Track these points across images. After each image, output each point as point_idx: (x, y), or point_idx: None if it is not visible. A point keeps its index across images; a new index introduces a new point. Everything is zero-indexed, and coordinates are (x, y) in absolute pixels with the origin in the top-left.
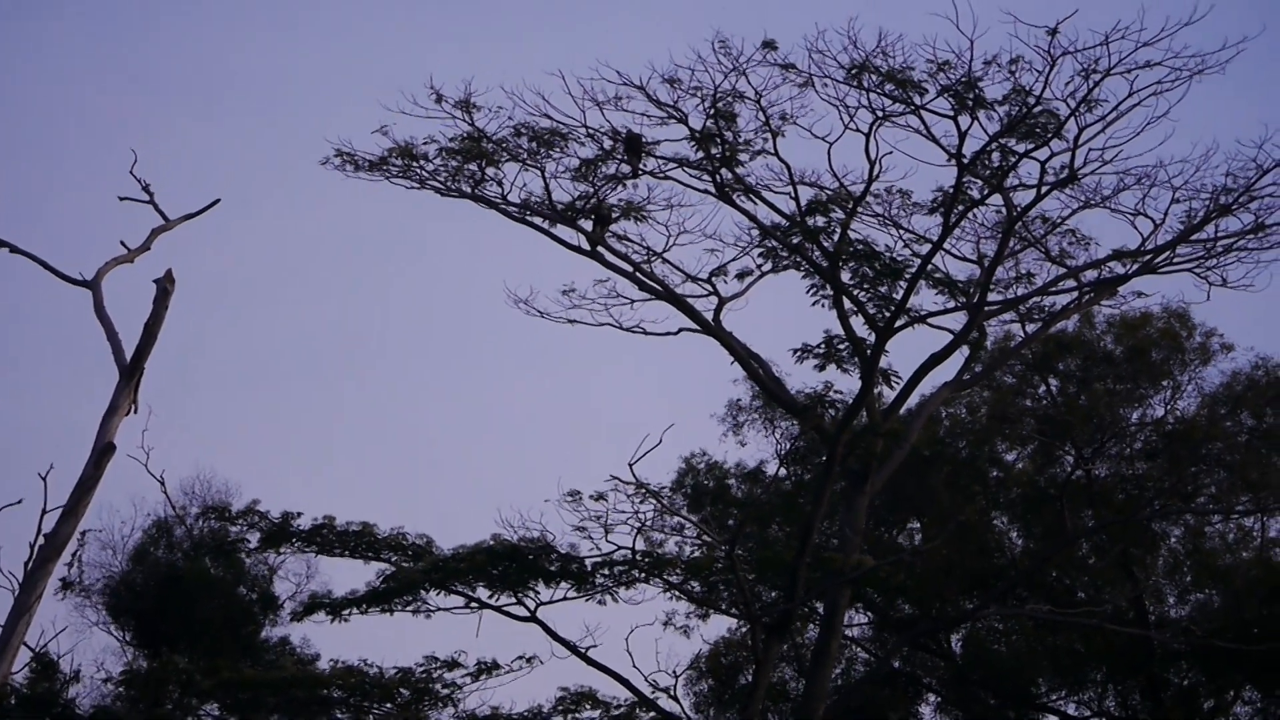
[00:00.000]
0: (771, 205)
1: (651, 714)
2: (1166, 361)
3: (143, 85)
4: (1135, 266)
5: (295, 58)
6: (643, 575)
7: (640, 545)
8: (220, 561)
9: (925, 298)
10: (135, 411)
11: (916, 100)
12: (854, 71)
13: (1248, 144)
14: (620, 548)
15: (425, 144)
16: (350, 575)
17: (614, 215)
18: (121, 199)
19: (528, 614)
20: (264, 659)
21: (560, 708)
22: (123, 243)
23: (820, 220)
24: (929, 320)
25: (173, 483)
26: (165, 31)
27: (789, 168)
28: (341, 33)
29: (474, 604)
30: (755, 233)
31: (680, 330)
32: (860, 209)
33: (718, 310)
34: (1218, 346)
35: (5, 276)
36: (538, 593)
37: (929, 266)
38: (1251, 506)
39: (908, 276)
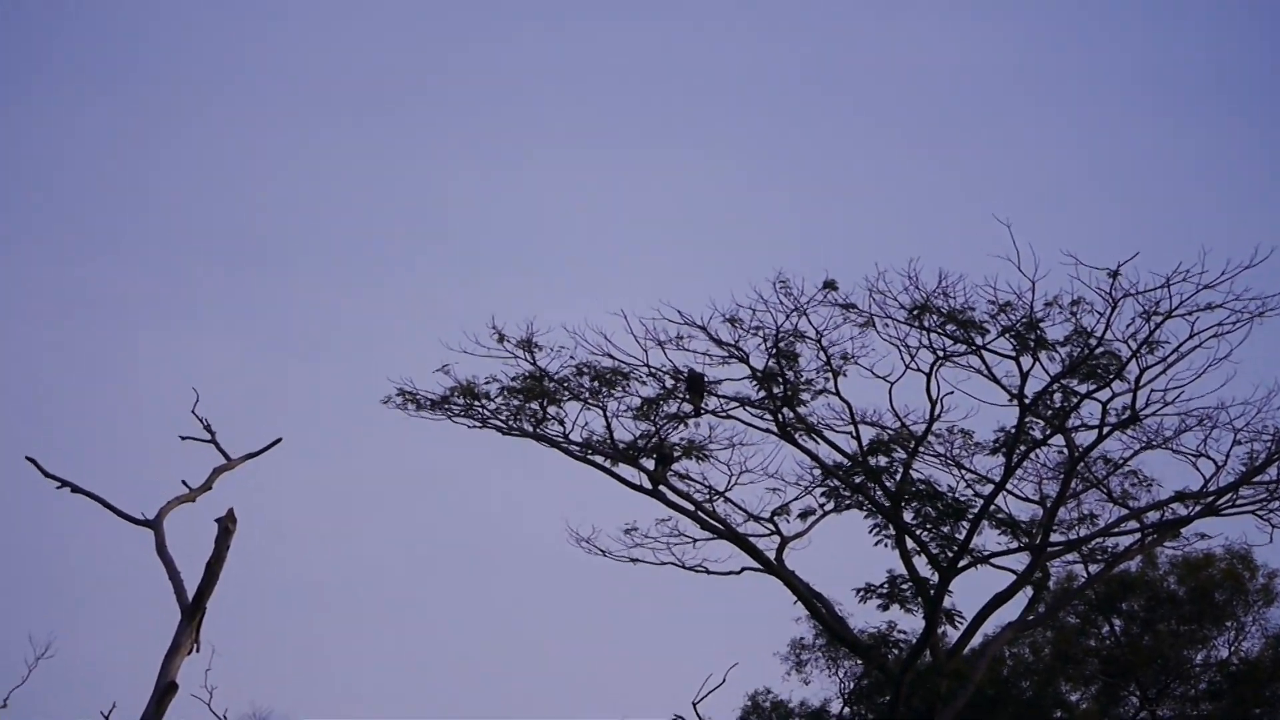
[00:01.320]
0: (833, 444)
1: None
2: (1230, 603)
3: (204, 325)
4: (1198, 508)
5: (358, 297)
6: None
7: None
8: None
9: (988, 538)
10: (197, 650)
11: (978, 340)
12: (915, 312)
13: None
14: None
15: (487, 383)
16: None
17: (676, 454)
18: (183, 438)
19: None
20: None
21: None
22: (184, 482)
23: (882, 460)
24: (992, 560)
25: None
26: (225, 274)
27: (850, 407)
28: (404, 273)
29: None
30: (817, 472)
31: (743, 569)
32: (922, 449)
33: (780, 549)
34: None
35: (68, 516)
36: None
37: (991, 507)
38: None
39: (970, 517)
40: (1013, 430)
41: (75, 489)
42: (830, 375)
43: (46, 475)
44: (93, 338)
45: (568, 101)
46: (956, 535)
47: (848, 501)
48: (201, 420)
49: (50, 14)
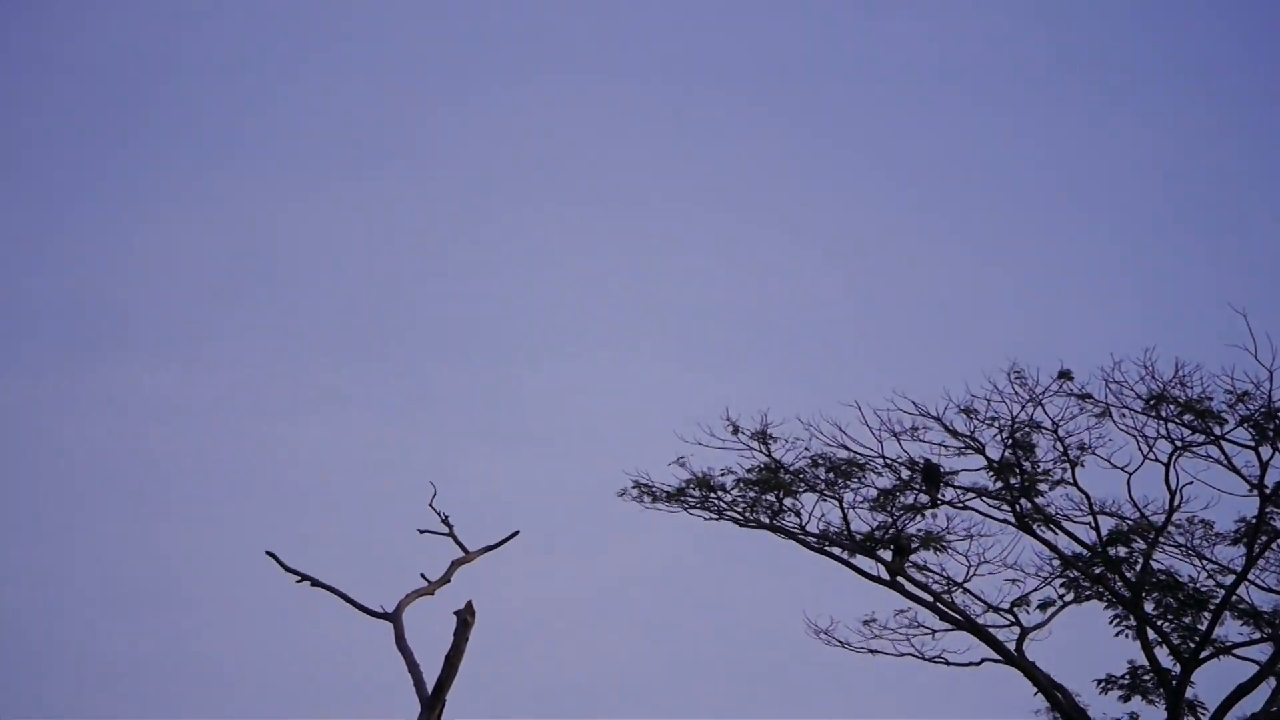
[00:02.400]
0: (1071, 535)
1: None
2: None
3: (441, 419)
4: None
5: (593, 390)
6: None
7: None
8: None
9: (1230, 628)
10: None
11: (1216, 430)
12: (1152, 401)
13: None
14: None
15: (723, 475)
16: None
17: (913, 545)
18: (421, 531)
19: None
20: None
21: None
22: (423, 575)
23: (1122, 550)
24: (1234, 651)
25: None
26: (460, 368)
27: (1088, 497)
28: (638, 365)
29: None
30: (1056, 562)
31: (983, 660)
32: (1162, 539)
33: (1020, 640)
34: None
35: (309, 610)
36: None
37: (1233, 597)
38: None
39: (1212, 607)
40: (1253, 520)
41: (315, 583)
42: (1067, 465)
43: (286, 569)
44: (331, 432)
45: (798, 192)
46: (1198, 626)
47: (1088, 592)
48: (439, 513)
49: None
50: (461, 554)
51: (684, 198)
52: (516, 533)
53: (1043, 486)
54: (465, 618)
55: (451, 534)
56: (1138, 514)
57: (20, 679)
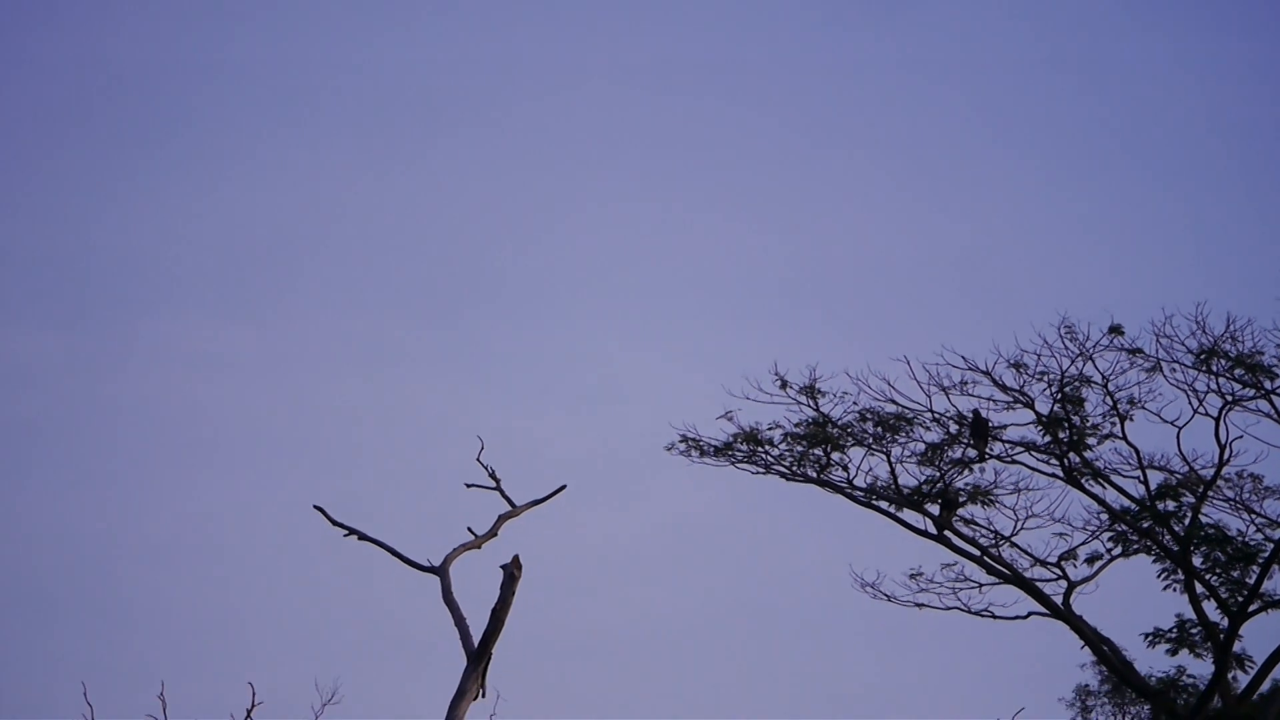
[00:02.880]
0: (1120, 489)
1: None
2: None
3: (489, 374)
4: None
5: (640, 345)
6: None
7: None
8: None
9: (1278, 582)
10: (483, 696)
11: (1267, 385)
12: (1203, 356)
13: None
14: None
15: (770, 429)
16: None
17: (961, 499)
18: (469, 486)
19: None
20: None
21: None
22: (470, 529)
23: (1171, 504)
24: None
25: None
26: (510, 323)
27: (1138, 452)
28: (686, 320)
29: None
30: (1104, 517)
31: (1030, 614)
32: (1211, 493)
33: (1067, 594)
34: None
35: (355, 564)
36: None
37: None
38: None
39: (1261, 561)
40: None
41: (362, 537)
42: (1117, 420)
43: (334, 524)
44: (377, 387)
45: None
46: (1247, 580)
47: (1136, 546)
48: (487, 468)
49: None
50: (509, 508)
51: (731, 160)
52: (564, 487)
53: (1091, 441)
54: (512, 572)
55: (499, 488)
56: (1187, 468)
57: (75, 627)
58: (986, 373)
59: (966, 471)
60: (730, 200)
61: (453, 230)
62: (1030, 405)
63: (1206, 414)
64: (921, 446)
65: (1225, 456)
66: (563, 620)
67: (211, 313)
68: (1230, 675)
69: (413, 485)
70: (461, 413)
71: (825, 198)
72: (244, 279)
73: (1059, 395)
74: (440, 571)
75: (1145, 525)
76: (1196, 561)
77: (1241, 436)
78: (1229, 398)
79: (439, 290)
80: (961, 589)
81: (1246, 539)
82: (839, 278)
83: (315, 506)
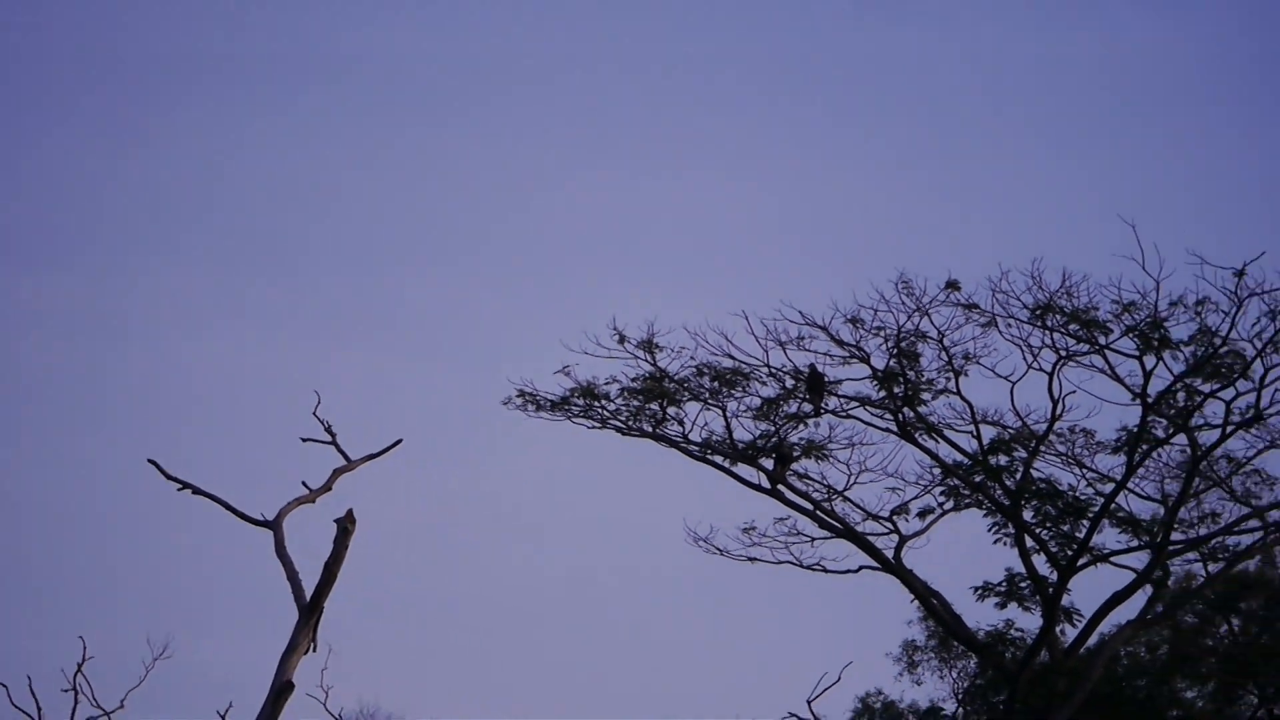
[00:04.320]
0: (954, 444)
1: None
2: None
3: (324, 328)
4: None
5: (479, 299)
6: None
7: None
8: None
9: (1108, 536)
10: (314, 650)
11: (1101, 340)
12: (1038, 312)
13: None
14: None
15: (607, 384)
16: None
17: (795, 454)
18: (304, 440)
19: None
20: None
21: None
22: (304, 483)
23: (1003, 459)
24: (1112, 559)
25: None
26: (346, 277)
27: (971, 406)
28: (524, 275)
29: None
30: (937, 471)
31: (861, 568)
32: (1043, 448)
33: (899, 548)
34: None
35: (189, 518)
36: None
37: (1112, 505)
38: None
39: (1090, 515)
40: (1135, 429)
41: (196, 491)
42: (952, 375)
43: (168, 477)
44: (212, 341)
45: (684, 101)
46: (1076, 534)
47: (967, 500)
48: (322, 422)
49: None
50: (344, 463)
51: (570, 111)
52: (399, 441)
53: (926, 395)
54: (345, 526)
55: (334, 442)
56: (1020, 423)
57: None
58: (823, 328)
59: (801, 426)
60: (566, 154)
61: (288, 181)
62: (866, 360)
63: (1040, 369)
64: (757, 401)
65: (1058, 411)
66: (396, 575)
67: (39, 265)
68: (1058, 629)
69: (248, 440)
70: (297, 367)
71: (665, 154)
72: (75, 232)
73: (895, 350)
74: (273, 525)
75: (977, 480)
76: (1027, 516)
77: (1075, 392)
78: (1063, 353)
79: (277, 243)
80: (794, 543)
81: (1077, 493)
82: (677, 234)
83: (149, 460)
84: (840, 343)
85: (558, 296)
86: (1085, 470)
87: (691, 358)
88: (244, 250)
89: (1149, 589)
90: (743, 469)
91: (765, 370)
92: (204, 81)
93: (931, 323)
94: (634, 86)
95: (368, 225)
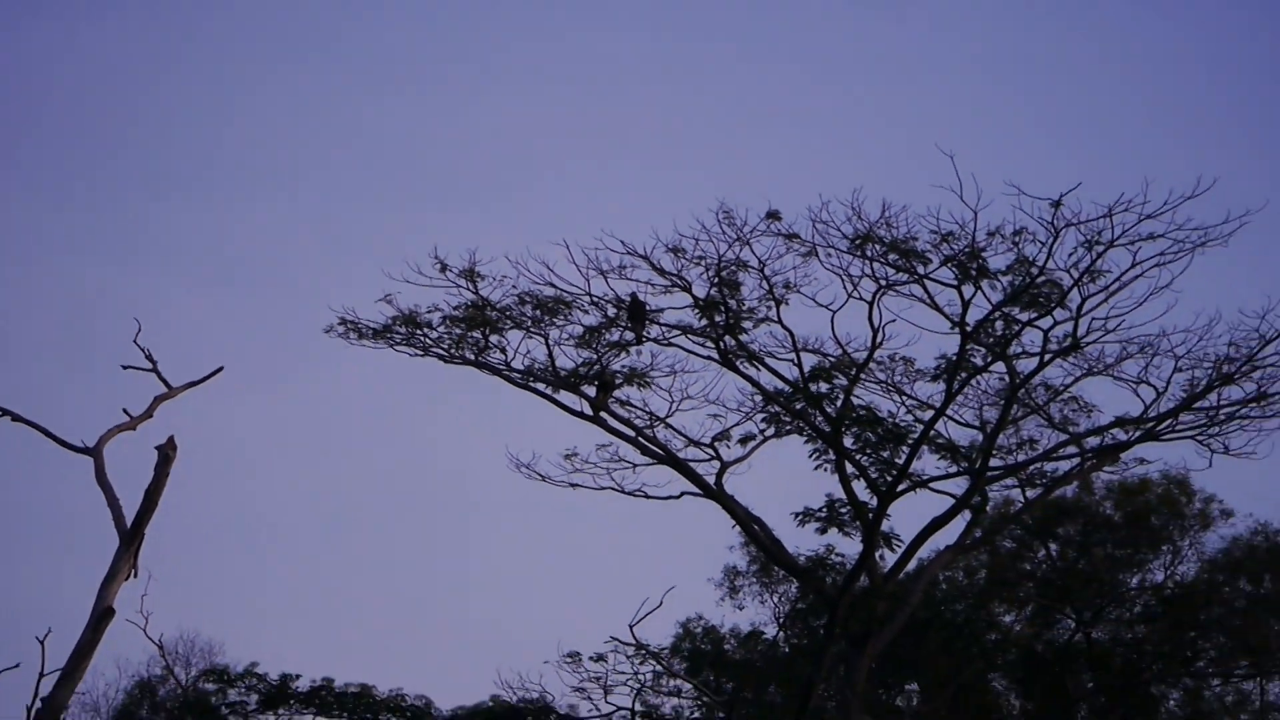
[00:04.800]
0: (775, 372)
1: None
2: (1166, 527)
3: (148, 257)
4: (1137, 434)
5: (302, 229)
6: None
7: (639, 707)
8: None
9: (927, 463)
10: (135, 576)
11: (920, 270)
12: (858, 241)
13: (1250, 314)
14: (619, 708)
15: (429, 312)
16: None
17: (617, 381)
18: (124, 367)
19: None
20: None
21: None
22: (125, 410)
23: (823, 386)
24: (931, 485)
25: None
26: (166, 205)
27: (792, 335)
28: (348, 205)
29: None
30: (758, 398)
31: (682, 494)
32: (863, 376)
33: (720, 474)
34: (1217, 513)
35: (7, 445)
36: None
37: (931, 432)
38: (1250, 670)
39: (910, 442)
40: (954, 357)
41: (15, 418)
42: (773, 304)
43: None
44: (32, 268)
45: (507, 31)
46: (896, 460)
47: (788, 427)
48: (143, 350)
49: None
50: (165, 390)
51: (386, 38)
52: (221, 369)
53: (747, 324)
54: (166, 453)
55: (155, 370)
56: (840, 351)
57: None
58: (645, 257)
59: (623, 354)
60: (383, 82)
61: (112, 111)
62: (688, 289)
63: (860, 298)
64: (579, 329)
65: (878, 340)
66: (217, 502)
67: None
68: (878, 554)
69: (68, 367)
70: (120, 296)
71: (480, 71)
72: None
73: (716, 279)
74: (94, 452)
75: (798, 407)
76: (847, 442)
77: (894, 320)
78: (882, 282)
79: (105, 170)
80: (616, 469)
81: (896, 420)
82: (498, 159)
83: None
84: (662, 272)
85: (379, 226)
86: (905, 397)
87: (513, 286)
88: (67, 177)
89: (968, 514)
90: (565, 396)
91: (587, 299)
92: None
93: (752, 252)
94: (449, 9)
95: (190, 156)
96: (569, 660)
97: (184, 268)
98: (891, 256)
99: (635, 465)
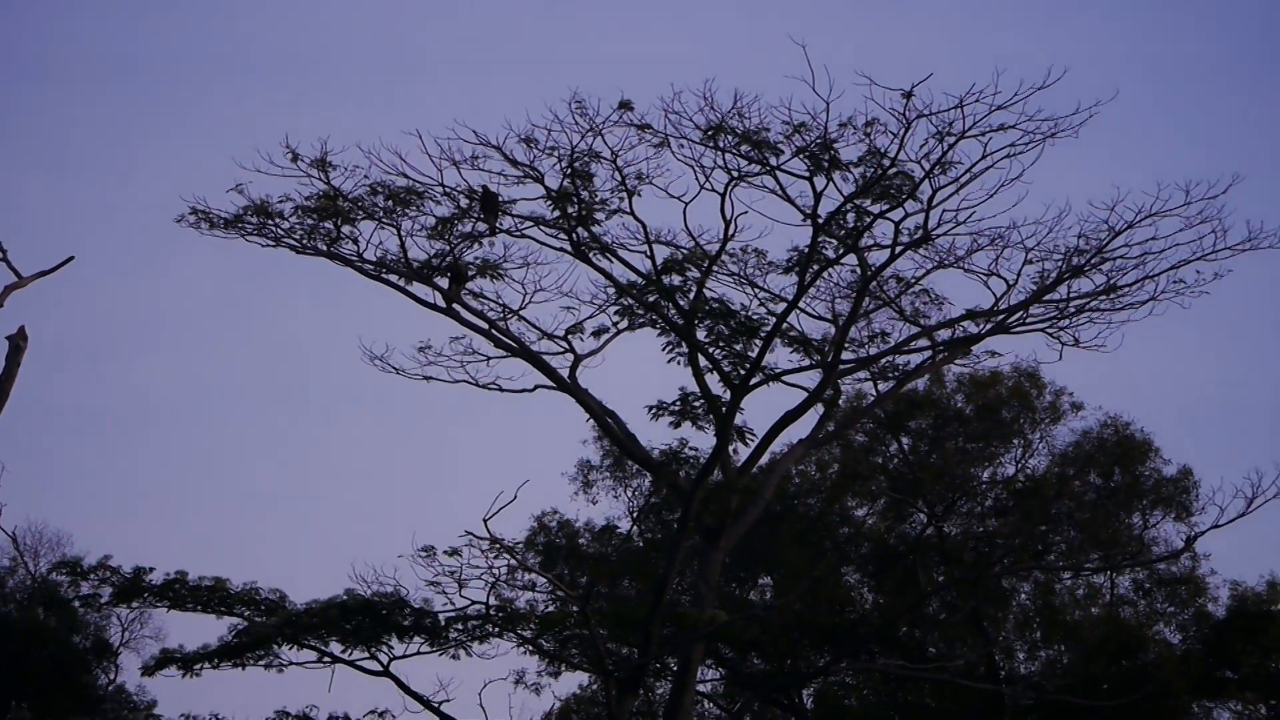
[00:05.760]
0: (628, 264)
1: None
2: (1017, 420)
3: None
4: (988, 326)
5: (153, 118)
6: (496, 630)
7: (494, 601)
8: (53, 611)
9: (780, 356)
10: None
11: (772, 161)
12: (710, 132)
13: (1100, 206)
14: (474, 603)
15: (281, 202)
16: (203, 630)
17: (470, 273)
18: None
19: (381, 668)
20: (101, 710)
21: None
22: None
23: (676, 279)
24: (784, 378)
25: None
26: (13, 91)
27: (645, 227)
28: (197, 93)
29: (327, 659)
30: (611, 291)
31: (536, 387)
32: (716, 268)
33: (573, 367)
34: (1068, 406)
35: None
36: (391, 647)
37: (784, 325)
38: (1100, 564)
39: (763, 335)
40: (806, 250)
41: None
42: (625, 195)
43: None
44: None
45: None
46: (749, 353)
47: (641, 320)
48: None
49: None
50: (15, 279)
51: None
52: (71, 259)
53: (600, 216)
54: (18, 343)
55: (5, 260)
56: (693, 243)
57: None
58: (497, 148)
59: (476, 245)
60: None
61: None
62: (540, 180)
63: (713, 190)
64: (432, 220)
65: (730, 232)
66: (69, 393)
67: None
68: (731, 448)
69: None
70: None
71: None
72: None
73: (568, 170)
74: None
75: (651, 299)
76: (701, 335)
77: (746, 213)
78: (735, 174)
79: None
80: (470, 362)
81: (749, 313)
82: (348, 47)
83: None
84: (514, 162)
85: (231, 115)
86: (757, 290)
87: (366, 177)
88: None
89: (820, 408)
90: (418, 288)
91: (440, 189)
92: None
93: (605, 143)
94: None
95: (36, 41)
96: (423, 554)
97: (33, 155)
98: (744, 148)
99: (489, 358)
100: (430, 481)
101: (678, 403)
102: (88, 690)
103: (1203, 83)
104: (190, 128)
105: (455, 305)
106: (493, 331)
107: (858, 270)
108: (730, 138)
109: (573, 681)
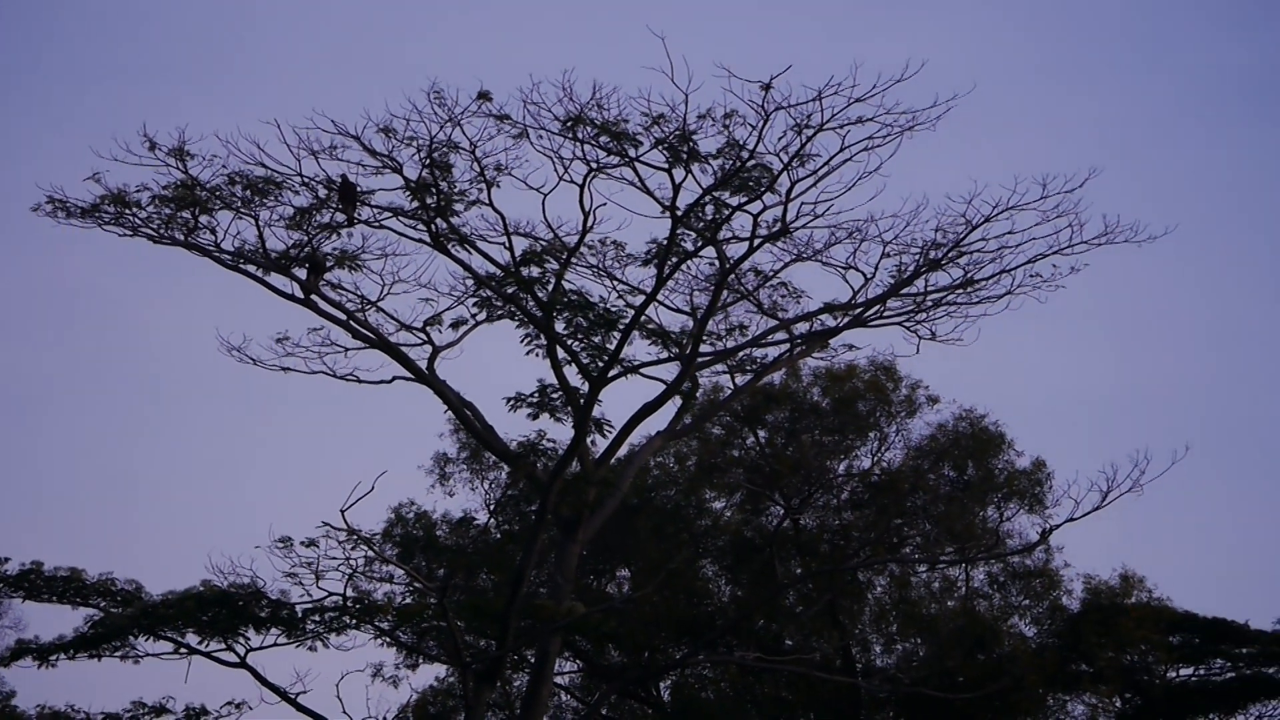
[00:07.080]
0: (486, 255)
1: None
2: (873, 413)
3: None
4: (845, 320)
5: (5, 104)
6: (353, 621)
7: (351, 592)
8: None
9: (639, 348)
10: None
11: (631, 153)
12: (569, 123)
13: (957, 200)
14: (331, 594)
15: (138, 191)
16: (58, 620)
17: (328, 264)
18: None
19: (237, 660)
20: None
21: None
22: None
23: (535, 270)
24: (642, 370)
25: None
26: None
27: (504, 218)
28: (53, 77)
29: (183, 650)
30: (470, 282)
31: (394, 379)
32: (574, 260)
33: (432, 359)
34: (924, 399)
35: None
36: (248, 639)
37: (642, 317)
38: (955, 557)
39: (621, 327)
40: (664, 242)
41: None
42: (484, 186)
43: None
44: None
45: None
46: (607, 345)
47: (500, 311)
48: None
49: None
50: None
51: None
52: None
53: (458, 207)
54: None
55: None
56: (551, 235)
57: None
58: (356, 137)
59: (334, 236)
60: None
61: None
62: (399, 170)
63: (572, 181)
64: (290, 211)
65: (589, 224)
66: None
67: None
68: (589, 440)
69: None
70: None
71: None
72: None
73: (427, 161)
74: None
75: (509, 291)
76: (559, 327)
77: (605, 204)
78: (594, 165)
79: None
80: (328, 353)
81: (608, 305)
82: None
83: None
84: (373, 153)
85: (87, 102)
86: (616, 282)
87: (224, 166)
88: None
89: (678, 400)
90: (276, 279)
91: (298, 179)
92: None
93: (464, 133)
94: None
95: None
96: (280, 545)
97: None
98: (603, 139)
99: (347, 349)
100: (287, 473)
101: (536, 394)
102: None
103: (1060, 77)
104: (47, 116)
105: (313, 296)
106: (351, 323)
107: (716, 263)
108: (589, 129)
109: (430, 674)
